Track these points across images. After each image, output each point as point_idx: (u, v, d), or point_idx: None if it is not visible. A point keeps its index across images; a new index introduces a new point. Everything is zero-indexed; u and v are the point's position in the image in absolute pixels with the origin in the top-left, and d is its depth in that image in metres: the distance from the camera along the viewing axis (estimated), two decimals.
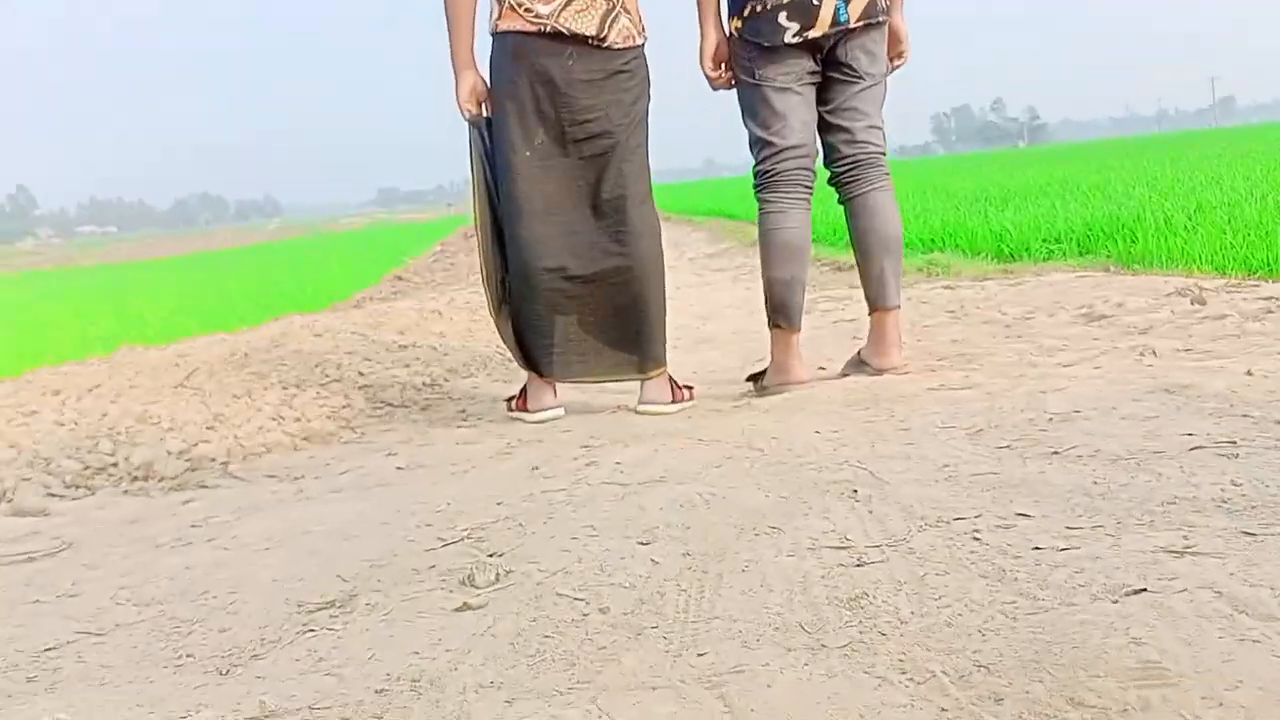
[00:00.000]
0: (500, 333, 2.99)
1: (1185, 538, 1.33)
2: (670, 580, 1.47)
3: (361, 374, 3.71)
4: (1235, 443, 1.76)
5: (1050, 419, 2.19)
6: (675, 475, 2.10)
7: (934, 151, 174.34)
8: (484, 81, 2.86)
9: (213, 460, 2.79)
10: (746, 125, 2.93)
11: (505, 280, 2.93)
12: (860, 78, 2.84)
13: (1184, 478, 1.60)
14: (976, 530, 1.49)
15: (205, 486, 2.56)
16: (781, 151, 2.85)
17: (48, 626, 1.58)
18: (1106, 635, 1.07)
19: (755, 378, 3.11)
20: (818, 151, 2.93)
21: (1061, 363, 2.93)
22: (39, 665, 1.42)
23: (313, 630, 1.44)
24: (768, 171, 2.88)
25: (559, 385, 3.00)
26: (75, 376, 3.87)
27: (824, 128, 2.91)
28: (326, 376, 3.68)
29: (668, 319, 2.99)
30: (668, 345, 2.98)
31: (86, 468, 2.70)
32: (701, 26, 2.94)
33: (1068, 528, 1.46)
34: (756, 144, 2.90)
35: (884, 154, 2.95)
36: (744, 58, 2.87)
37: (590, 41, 2.74)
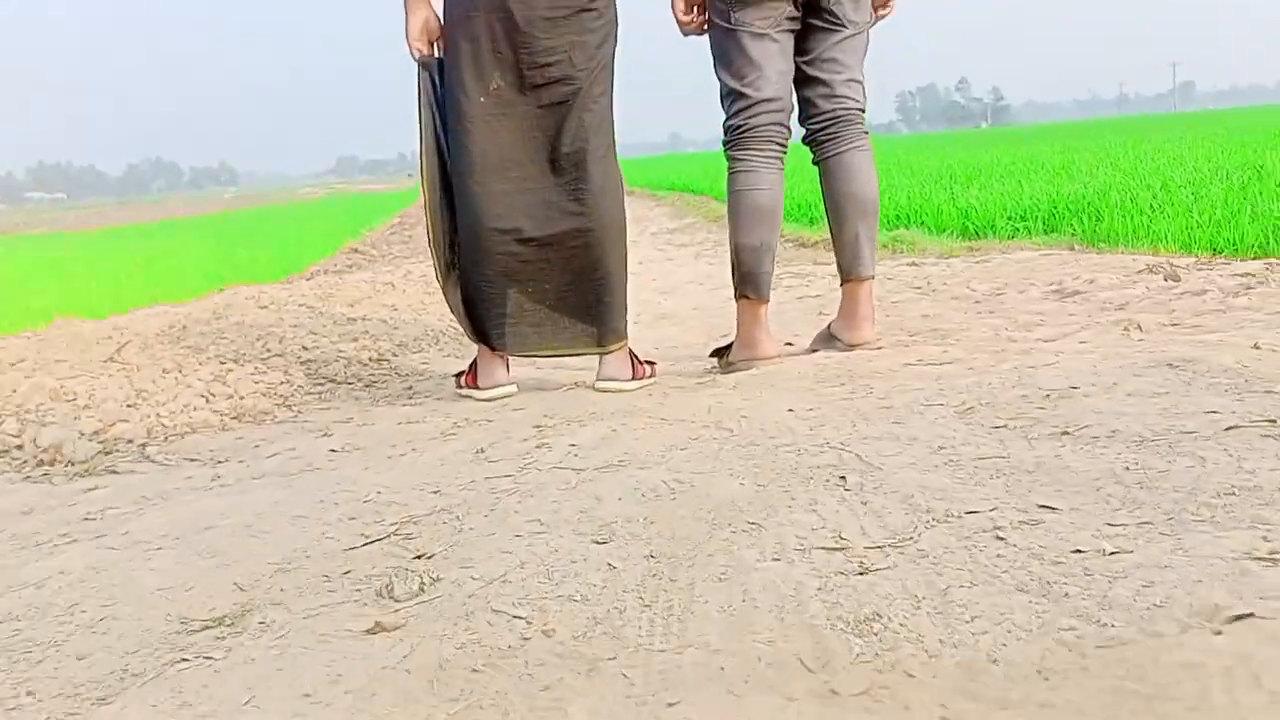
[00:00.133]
0: (448, 301, 2.64)
1: (1266, 539, 1.03)
2: (631, 591, 1.14)
3: (305, 348, 3.35)
4: (1276, 421, 1.47)
5: (1047, 396, 1.89)
6: (636, 459, 1.77)
7: (898, 130, 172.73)
8: (437, 17, 2.49)
9: (129, 442, 2.42)
10: (718, 75, 2.59)
11: (455, 243, 2.58)
12: (842, 25, 2.51)
13: (1233, 463, 1.30)
14: (997, 528, 1.18)
15: (115, 472, 2.19)
16: (755, 105, 2.52)
17: None
18: (1230, 685, 0.76)
19: (720, 353, 2.79)
20: (793, 106, 2.60)
21: (1042, 338, 2.64)
22: None
23: (186, 660, 1.09)
24: (739, 126, 2.55)
25: (512, 360, 2.67)
26: (1, 350, 3.46)
27: (800, 80, 2.58)
28: (268, 351, 3.30)
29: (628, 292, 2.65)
30: (628, 320, 2.65)
31: None
32: None
33: (1108, 525, 1.15)
34: (728, 96, 2.57)
35: (863, 111, 2.63)
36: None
37: None
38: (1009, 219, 4.77)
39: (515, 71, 2.45)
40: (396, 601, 1.19)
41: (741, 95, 2.54)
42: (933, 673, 0.85)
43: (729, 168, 2.61)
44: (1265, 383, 1.77)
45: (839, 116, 2.60)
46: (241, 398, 2.77)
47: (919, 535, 1.19)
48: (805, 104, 2.62)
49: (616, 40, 2.53)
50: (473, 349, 2.72)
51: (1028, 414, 1.79)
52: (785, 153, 2.62)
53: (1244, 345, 2.09)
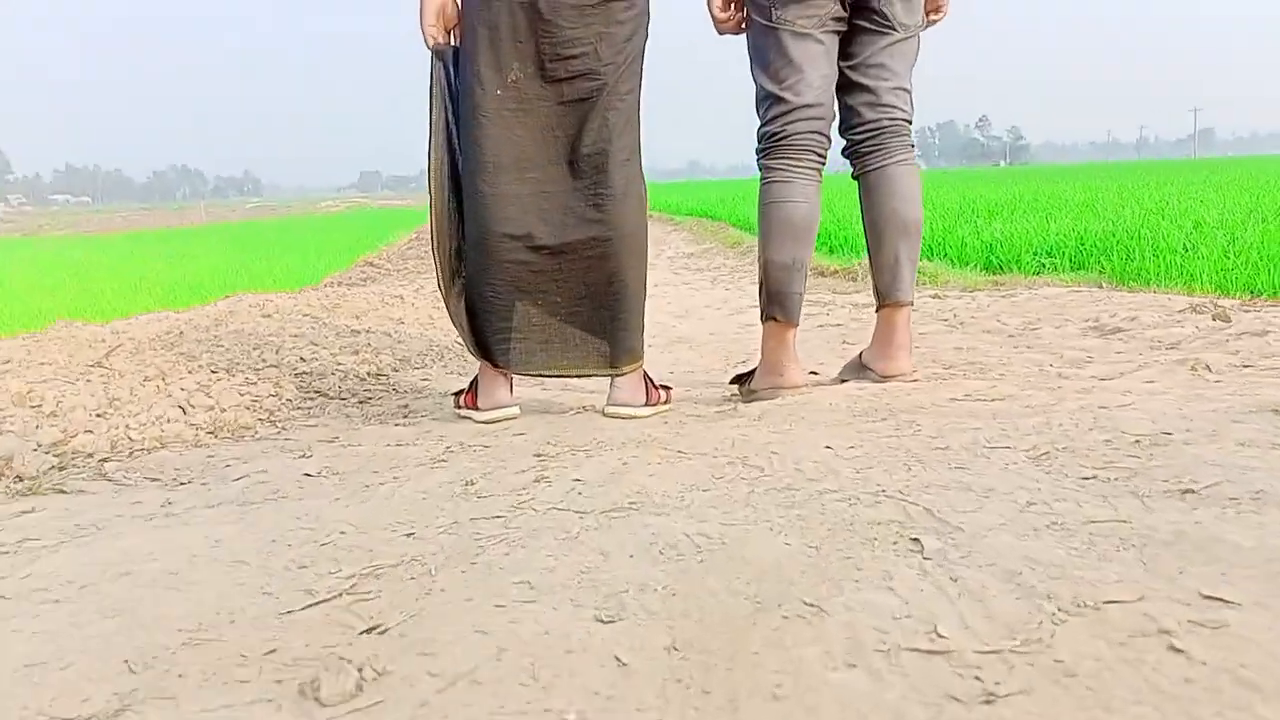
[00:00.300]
0: (450, 313, 2.26)
1: None
2: (649, 710, 0.76)
3: (303, 359, 2.97)
4: None
5: (1136, 442, 1.50)
6: (651, 501, 1.39)
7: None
8: (455, 2, 2.14)
9: (89, 456, 2.04)
10: (755, 77, 2.22)
11: (462, 249, 2.21)
12: (892, 28, 2.14)
13: None
14: (1163, 630, 0.80)
15: (63, 491, 1.81)
16: (794, 110, 2.15)
17: None
18: None
19: (741, 379, 2.41)
20: (835, 115, 2.24)
21: (1097, 375, 2.25)
22: None
23: None
24: (776, 134, 2.18)
25: (518, 379, 2.29)
26: None
27: (843, 87, 2.22)
28: (263, 361, 2.93)
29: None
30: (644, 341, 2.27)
31: None
32: None
33: None
34: (765, 100, 2.20)
35: (910, 122, 2.26)
36: None
37: None
38: (1034, 254, 4.39)
39: (536, 63, 2.10)
40: (321, 705, 0.80)
41: (780, 100, 2.17)
42: None
43: (762, 178, 2.24)
44: None
45: (884, 127, 2.23)
46: (223, 410, 2.40)
47: (1050, 637, 0.80)
48: (848, 112, 2.25)
49: (648, 35, 2.18)
50: (477, 366, 2.35)
51: (1119, 463, 1.40)
52: (824, 164, 2.25)
53: None
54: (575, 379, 2.33)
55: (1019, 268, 4.34)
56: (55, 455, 2.04)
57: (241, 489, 1.73)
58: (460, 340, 2.29)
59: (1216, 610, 0.83)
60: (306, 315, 3.58)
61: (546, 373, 2.23)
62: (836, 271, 4.59)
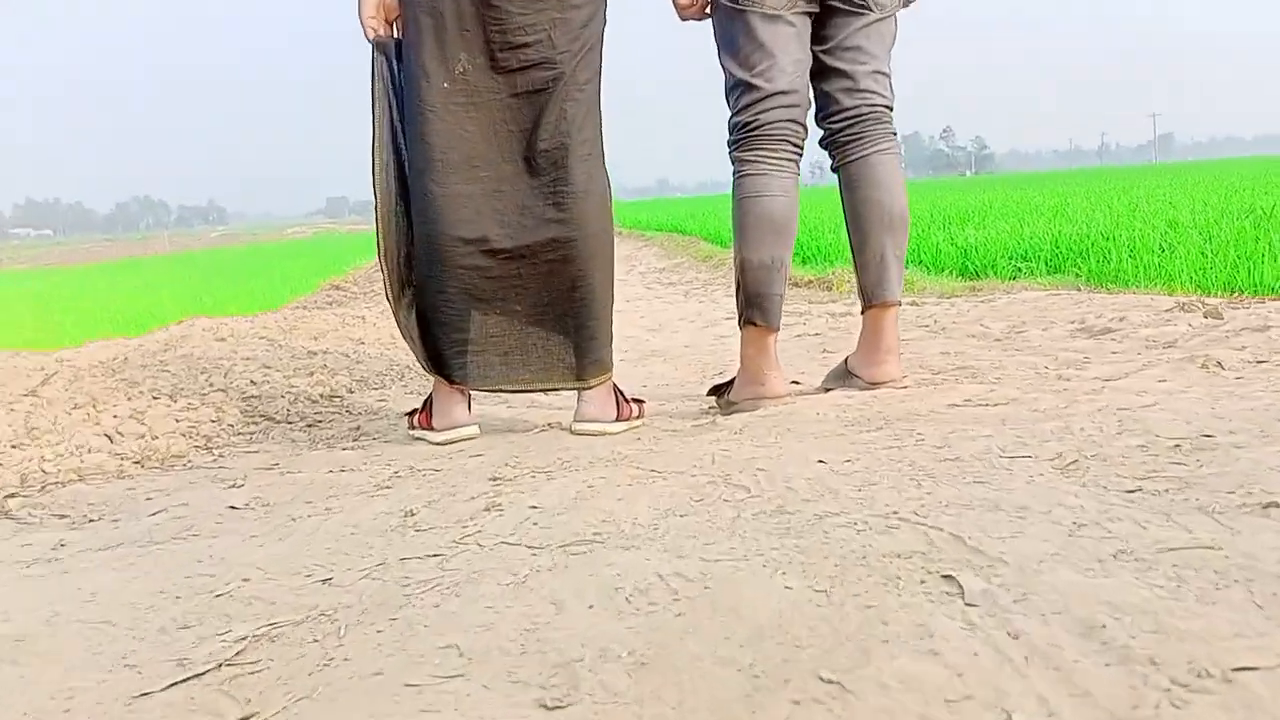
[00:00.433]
0: (400, 327, 1.99)
1: None
2: None
3: (253, 383, 2.68)
4: None
5: (1176, 446, 1.25)
6: (618, 531, 1.12)
7: None
8: None
9: None
10: (723, 64, 1.97)
11: (412, 256, 1.94)
12: (868, 8, 1.90)
13: None
14: None
15: None
16: (767, 98, 1.90)
17: None
18: None
19: (719, 390, 2.15)
20: (810, 103, 1.99)
21: (1100, 376, 2.01)
22: None
23: None
24: (748, 124, 1.93)
25: (481, 396, 2.02)
26: None
27: (817, 73, 1.97)
28: (209, 385, 2.64)
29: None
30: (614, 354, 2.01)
31: None
32: None
33: None
34: (735, 88, 1.95)
35: (890, 109, 2.02)
36: None
37: None
38: (1010, 259, 4.16)
39: (485, 53, 1.84)
40: None
41: (751, 87, 1.92)
42: None
43: (735, 171, 1.98)
44: None
45: (863, 114, 1.99)
46: (154, 438, 2.10)
47: None
48: (824, 99, 2.01)
49: (606, 20, 1.93)
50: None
51: (1164, 472, 1.15)
52: (800, 155, 2.00)
53: None
54: (540, 394, 2.05)
55: (995, 273, 4.11)
56: None
57: (150, 526, 1.44)
58: (413, 355, 2.02)
59: None
60: (262, 338, 3.29)
61: (507, 387, 1.96)
62: (811, 282, 4.35)
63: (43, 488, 1.79)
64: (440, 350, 1.92)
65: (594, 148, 1.90)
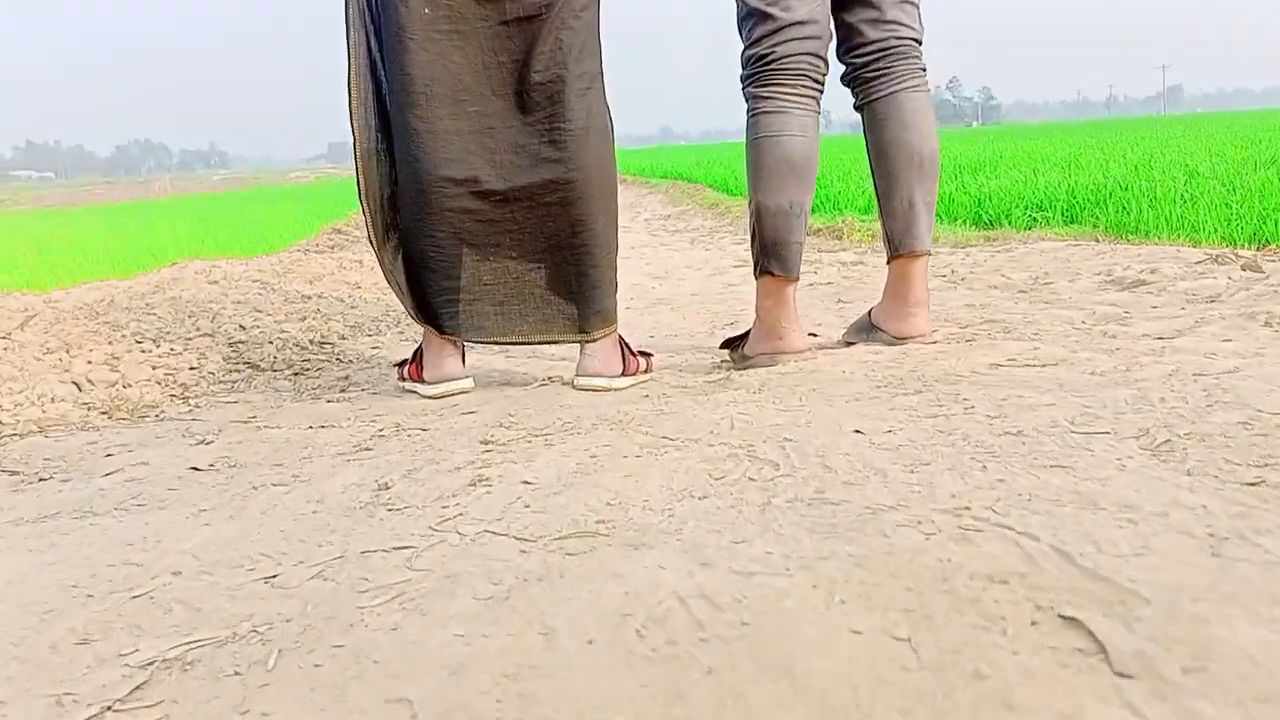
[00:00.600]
0: (386, 273, 1.73)
1: None
2: None
3: (242, 327, 2.44)
4: None
5: None
6: (625, 519, 0.89)
7: None
8: None
9: None
10: None
11: (395, 196, 1.68)
12: None
13: None
14: None
15: None
16: (785, 28, 1.61)
17: None
18: None
19: (733, 344, 1.90)
20: (831, 35, 1.70)
21: (1150, 334, 1.76)
22: None
23: None
24: (764, 56, 1.64)
25: (473, 346, 1.78)
26: None
27: (840, 3, 1.69)
28: (196, 330, 2.39)
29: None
30: (619, 304, 1.76)
31: None
32: None
33: None
34: (750, 18, 1.66)
35: (919, 42, 1.73)
36: None
37: None
38: (1025, 209, 3.87)
39: None
40: None
41: (767, 16, 1.63)
42: None
43: (750, 109, 1.71)
44: None
45: (891, 48, 1.70)
46: (127, 386, 1.87)
47: None
48: (847, 32, 1.72)
49: None
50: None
51: None
52: (821, 92, 1.72)
53: None
54: (539, 345, 1.81)
55: (1010, 223, 3.82)
56: None
57: (96, 492, 1.21)
58: (400, 304, 1.76)
59: None
60: (255, 281, 3.03)
61: (502, 339, 1.71)
62: (820, 230, 4.07)
63: None
64: (429, 298, 1.68)
65: (594, 81, 1.62)
